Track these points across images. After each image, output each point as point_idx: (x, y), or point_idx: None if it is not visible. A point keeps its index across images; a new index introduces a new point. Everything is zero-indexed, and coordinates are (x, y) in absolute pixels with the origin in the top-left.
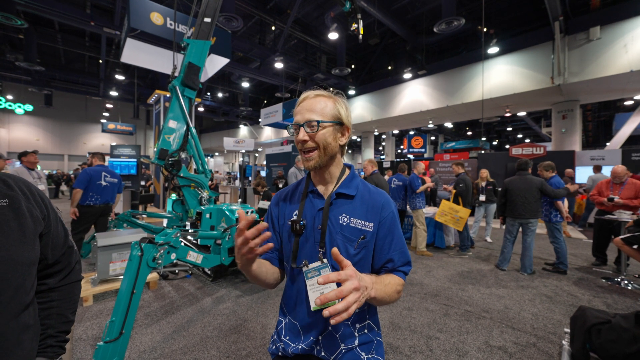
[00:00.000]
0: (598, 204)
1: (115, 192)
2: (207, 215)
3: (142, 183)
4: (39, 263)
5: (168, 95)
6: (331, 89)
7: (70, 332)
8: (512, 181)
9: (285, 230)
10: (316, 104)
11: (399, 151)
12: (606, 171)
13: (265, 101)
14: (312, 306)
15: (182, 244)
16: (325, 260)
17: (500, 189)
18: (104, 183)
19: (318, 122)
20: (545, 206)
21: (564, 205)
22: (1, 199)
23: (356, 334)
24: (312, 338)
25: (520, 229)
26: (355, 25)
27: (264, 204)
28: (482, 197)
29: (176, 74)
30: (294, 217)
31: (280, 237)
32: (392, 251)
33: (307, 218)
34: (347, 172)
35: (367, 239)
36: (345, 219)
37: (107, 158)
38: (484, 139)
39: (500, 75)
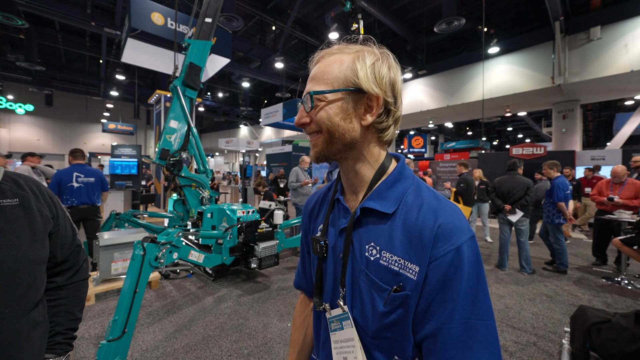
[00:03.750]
0: (598, 203)
1: (94, 192)
2: (209, 215)
3: (143, 183)
4: (48, 261)
5: (169, 95)
6: (367, 37)
7: (78, 329)
8: (502, 180)
9: (310, 249)
10: (323, 66)
11: (399, 151)
12: (606, 171)
13: (266, 101)
14: None
15: (184, 243)
16: (345, 308)
17: (490, 187)
18: (75, 184)
19: (311, 94)
20: (548, 207)
21: (570, 206)
22: (12, 198)
23: None
24: None
25: (513, 229)
26: (356, 25)
27: (265, 204)
28: (474, 197)
29: (177, 74)
30: (318, 233)
31: None
32: (442, 319)
33: (330, 239)
34: (390, 170)
35: (407, 292)
36: (374, 252)
37: (106, 157)
38: (484, 138)
39: (501, 75)
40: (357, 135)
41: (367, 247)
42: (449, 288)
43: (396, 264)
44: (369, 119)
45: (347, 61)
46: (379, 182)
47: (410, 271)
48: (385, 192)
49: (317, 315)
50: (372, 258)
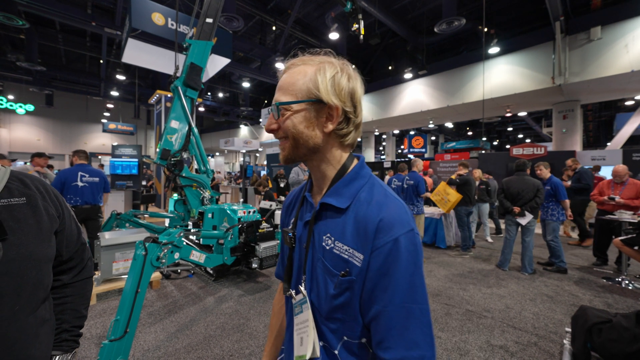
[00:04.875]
0: (599, 203)
1: (97, 192)
2: (210, 215)
3: (144, 183)
4: (53, 259)
5: (169, 96)
6: (329, 51)
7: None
8: (510, 181)
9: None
10: (289, 78)
11: (400, 151)
12: (606, 171)
13: (266, 101)
14: (294, 354)
15: (185, 243)
16: (305, 292)
17: (498, 188)
18: (80, 184)
19: (277, 105)
20: (552, 205)
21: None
22: (19, 197)
23: None
24: None
25: (520, 229)
26: (357, 26)
27: (266, 204)
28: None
29: (178, 75)
30: (290, 226)
31: None
32: (383, 303)
33: (297, 231)
34: (349, 170)
35: (352, 277)
36: (329, 242)
37: (106, 157)
38: (484, 139)
39: (501, 75)
40: (319, 141)
41: (324, 237)
42: (389, 275)
43: (346, 253)
44: (330, 126)
45: (310, 73)
46: (338, 181)
47: (357, 259)
48: (341, 190)
49: (287, 300)
50: (327, 247)
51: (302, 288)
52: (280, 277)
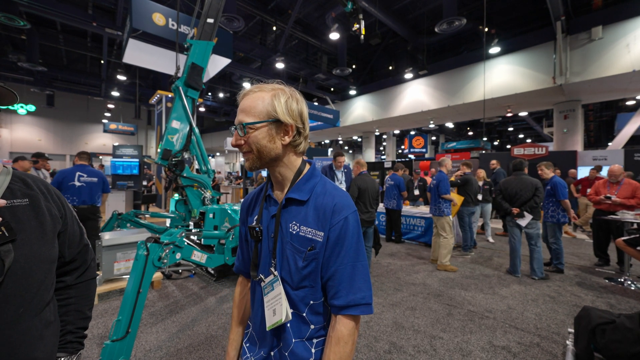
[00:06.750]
0: (595, 203)
1: (95, 192)
2: (211, 215)
3: (145, 183)
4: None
5: (170, 96)
6: (278, 81)
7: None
8: (508, 181)
9: (248, 236)
10: (249, 102)
11: (400, 151)
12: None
13: None
14: (267, 324)
15: (186, 243)
16: (276, 273)
17: (496, 189)
18: (77, 183)
19: (244, 125)
20: (552, 207)
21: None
22: (22, 198)
23: (312, 351)
24: (262, 353)
25: (524, 233)
26: (357, 26)
27: None
28: (479, 197)
29: (179, 75)
30: (254, 223)
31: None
32: (337, 264)
33: (264, 225)
34: (305, 172)
35: (317, 249)
36: (295, 228)
37: (107, 158)
38: (485, 139)
39: (502, 75)
40: (279, 152)
41: (290, 225)
42: (341, 244)
43: (310, 233)
44: (287, 139)
45: (267, 99)
46: (298, 180)
47: (319, 236)
48: (301, 187)
49: (253, 288)
50: (294, 232)
51: (272, 269)
52: (240, 271)
